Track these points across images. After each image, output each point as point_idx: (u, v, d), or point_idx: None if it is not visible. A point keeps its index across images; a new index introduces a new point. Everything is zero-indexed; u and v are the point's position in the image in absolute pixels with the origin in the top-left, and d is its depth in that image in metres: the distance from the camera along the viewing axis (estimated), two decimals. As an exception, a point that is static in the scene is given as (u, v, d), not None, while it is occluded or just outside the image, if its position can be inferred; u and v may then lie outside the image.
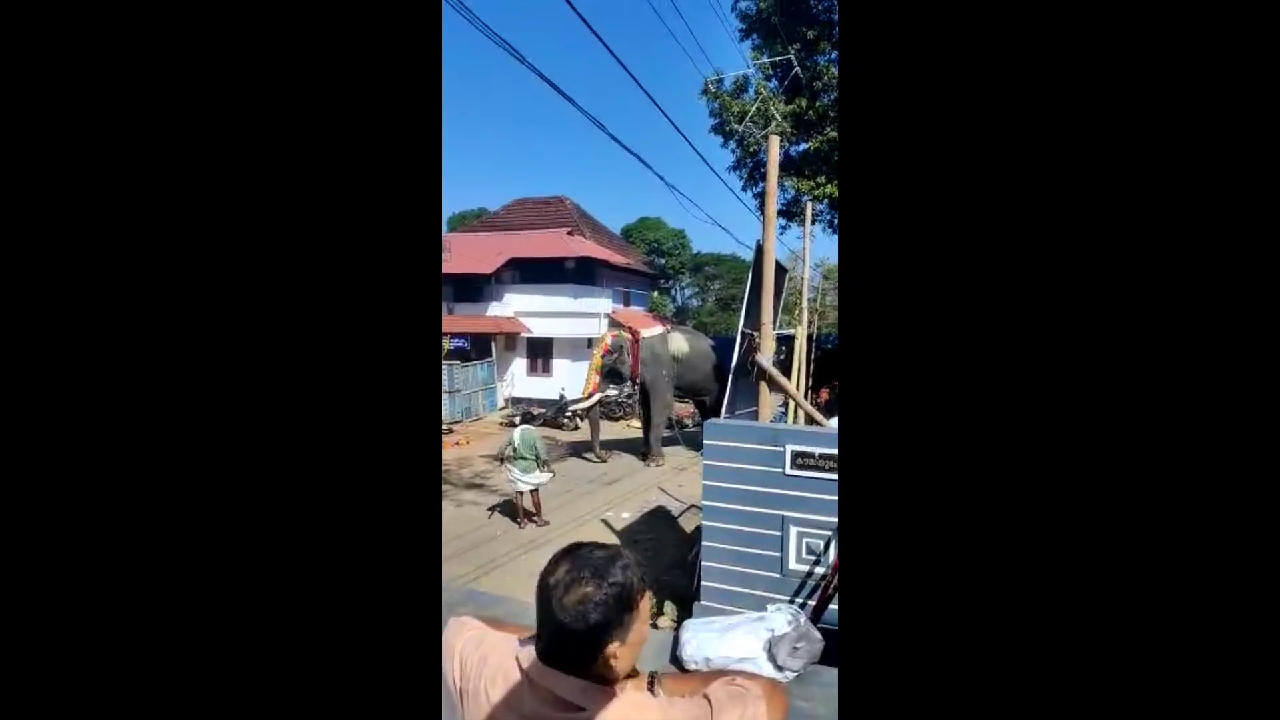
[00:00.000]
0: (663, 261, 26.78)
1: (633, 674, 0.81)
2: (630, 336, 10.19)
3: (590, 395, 10.01)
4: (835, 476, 3.16)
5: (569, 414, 12.21)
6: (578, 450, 10.38)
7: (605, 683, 0.77)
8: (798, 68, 11.02)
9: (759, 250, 3.95)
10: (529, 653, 0.80)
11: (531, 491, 6.34)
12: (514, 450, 6.18)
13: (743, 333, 4.13)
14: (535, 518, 6.44)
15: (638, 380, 10.20)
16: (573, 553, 0.80)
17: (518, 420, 7.18)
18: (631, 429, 12.81)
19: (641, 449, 10.30)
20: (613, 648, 0.75)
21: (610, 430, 12.72)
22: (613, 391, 11.88)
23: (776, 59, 11.62)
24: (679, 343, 10.55)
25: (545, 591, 0.77)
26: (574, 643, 0.75)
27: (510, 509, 6.66)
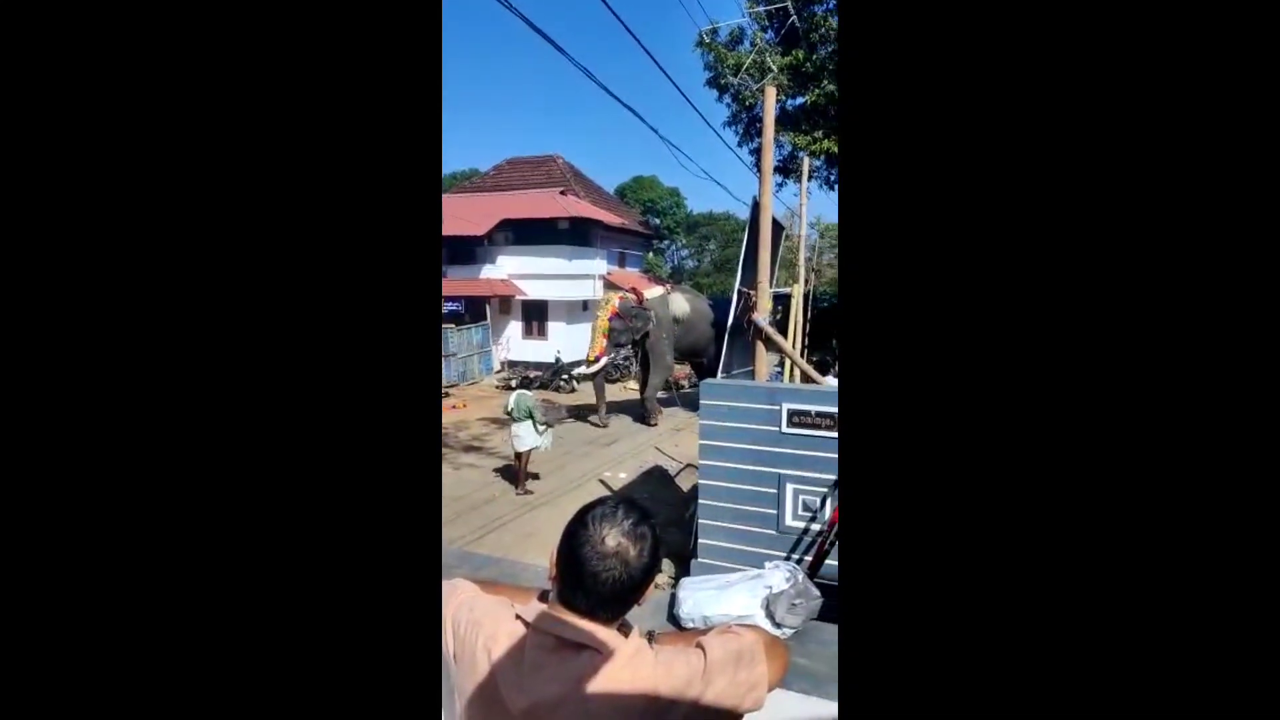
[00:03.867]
0: (658, 221, 26.44)
1: (624, 627, 0.80)
2: (635, 299, 9.99)
3: (598, 359, 9.81)
4: (832, 434, 3.16)
5: (566, 377, 12.18)
6: (579, 414, 10.37)
7: (613, 626, 0.78)
8: (795, 17, 10.66)
9: (755, 206, 3.86)
10: (534, 607, 0.80)
11: (520, 455, 6.31)
12: (509, 414, 6.21)
13: (739, 291, 4.07)
14: (519, 484, 6.38)
15: (640, 343, 10.05)
16: (602, 505, 0.81)
17: (514, 384, 7.16)
18: (628, 391, 12.83)
19: (641, 410, 10.31)
20: (647, 592, 0.80)
21: (608, 392, 12.76)
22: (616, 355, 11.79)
23: (773, 7, 11.24)
24: (680, 304, 10.37)
25: (579, 541, 0.77)
26: (613, 589, 0.76)
27: (510, 473, 6.70)
